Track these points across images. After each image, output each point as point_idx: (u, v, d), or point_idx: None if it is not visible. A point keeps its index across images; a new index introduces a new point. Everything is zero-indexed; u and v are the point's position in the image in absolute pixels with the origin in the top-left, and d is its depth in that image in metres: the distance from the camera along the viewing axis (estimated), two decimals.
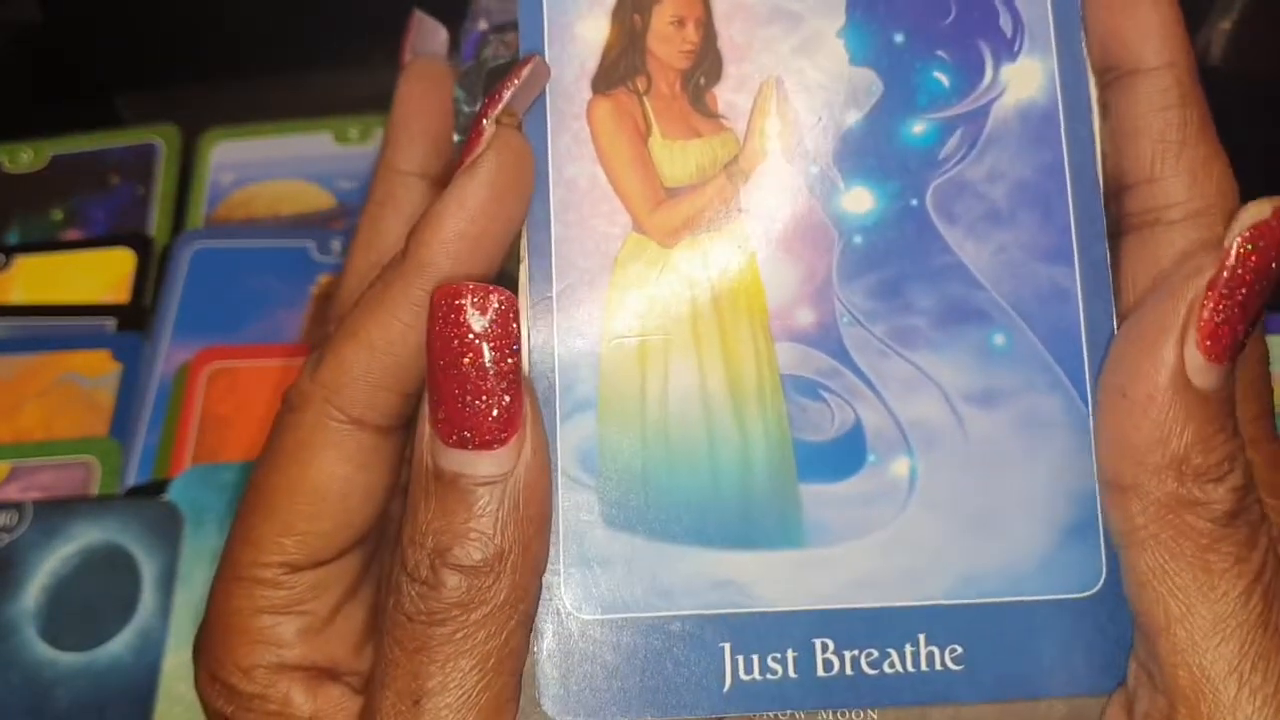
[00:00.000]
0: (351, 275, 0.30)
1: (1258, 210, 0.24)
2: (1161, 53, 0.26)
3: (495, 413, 0.24)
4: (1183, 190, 0.26)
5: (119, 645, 0.47)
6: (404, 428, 0.27)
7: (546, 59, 0.27)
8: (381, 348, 0.26)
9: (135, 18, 0.66)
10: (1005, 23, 0.28)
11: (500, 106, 0.26)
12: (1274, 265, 0.24)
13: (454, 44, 0.31)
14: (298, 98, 0.65)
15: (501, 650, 0.25)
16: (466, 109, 0.30)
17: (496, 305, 0.24)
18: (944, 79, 0.28)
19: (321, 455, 0.26)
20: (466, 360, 0.24)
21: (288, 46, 0.63)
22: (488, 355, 0.24)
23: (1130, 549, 0.25)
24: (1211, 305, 0.24)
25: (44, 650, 0.46)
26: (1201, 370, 0.24)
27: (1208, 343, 0.24)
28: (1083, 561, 0.27)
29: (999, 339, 0.27)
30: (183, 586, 0.47)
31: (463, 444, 0.24)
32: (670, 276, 0.27)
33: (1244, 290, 0.24)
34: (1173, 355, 0.24)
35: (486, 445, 0.24)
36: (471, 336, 0.24)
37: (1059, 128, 0.28)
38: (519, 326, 0.24)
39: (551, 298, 0.27)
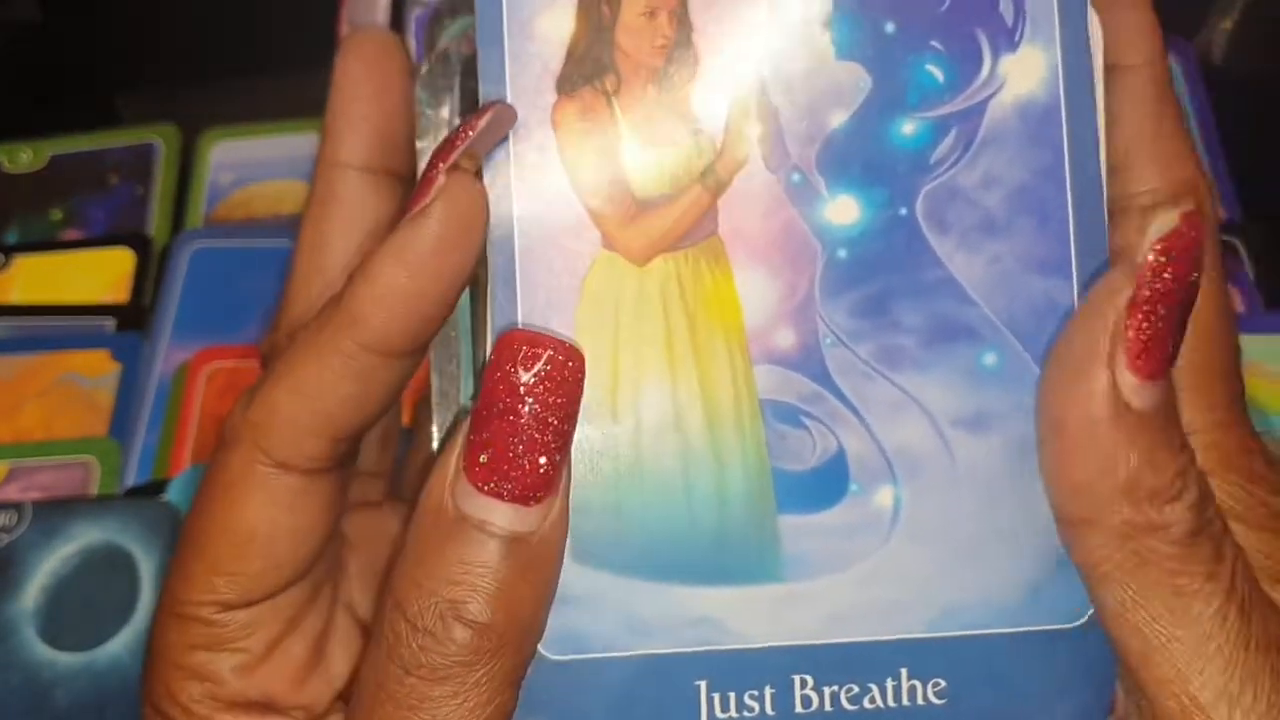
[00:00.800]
0: (295, 281, 0.28)
1: (1165, 221, 0.23)
2: (1140, 52, 0.26)
3: (542, 469, 0.23)
4: (1154, 177, 0.26)
5: (118, 645, 0.46)
6: (334, 471, 0.26)
7: (505, 55, 0.25)
8: (310, 394, 0.24)
9: (135, 18, 0.66)
10: (1005, 8, 0.25)
11: (455, 156, 0.24)
12: (1192, 274, 0.23)
13: (399, 23, 0.29)
14: (298, 98, 0.65)
15: (495, 716, 0.23)
16: (429, 112, 0.28)
17: (570, 363, 0.23)
18: (937, 73, 0.25)
19: (248, 497, 0.25)
20: (527, 409, 0.23)
21: (288, 46, 0.63)
22: (551, 410, 0.23)
23: (1097, 584, 0.24)
24: (1136, 324, 0.23)
25: (43, 650, 0.46)
26: (1137, 391, 0.23)
27: (1139, 362, 0.23)
28: (1073, 590, 0.25)
29: (990, 358, 0.25)
30: None
31: (498, 493, 0.23)
32: (642, 297, 0.25)
33: (1165, 304, 0.23)
34: (1104, 380, 0.23)
35: (522, 500, 0.23)
36: (541, 388, 0.23)
37: (1060, 126, 0.25)
38: (583, 390, 0.23)
39: (516, 323, 0.25)
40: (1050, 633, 0.26)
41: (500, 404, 0.23)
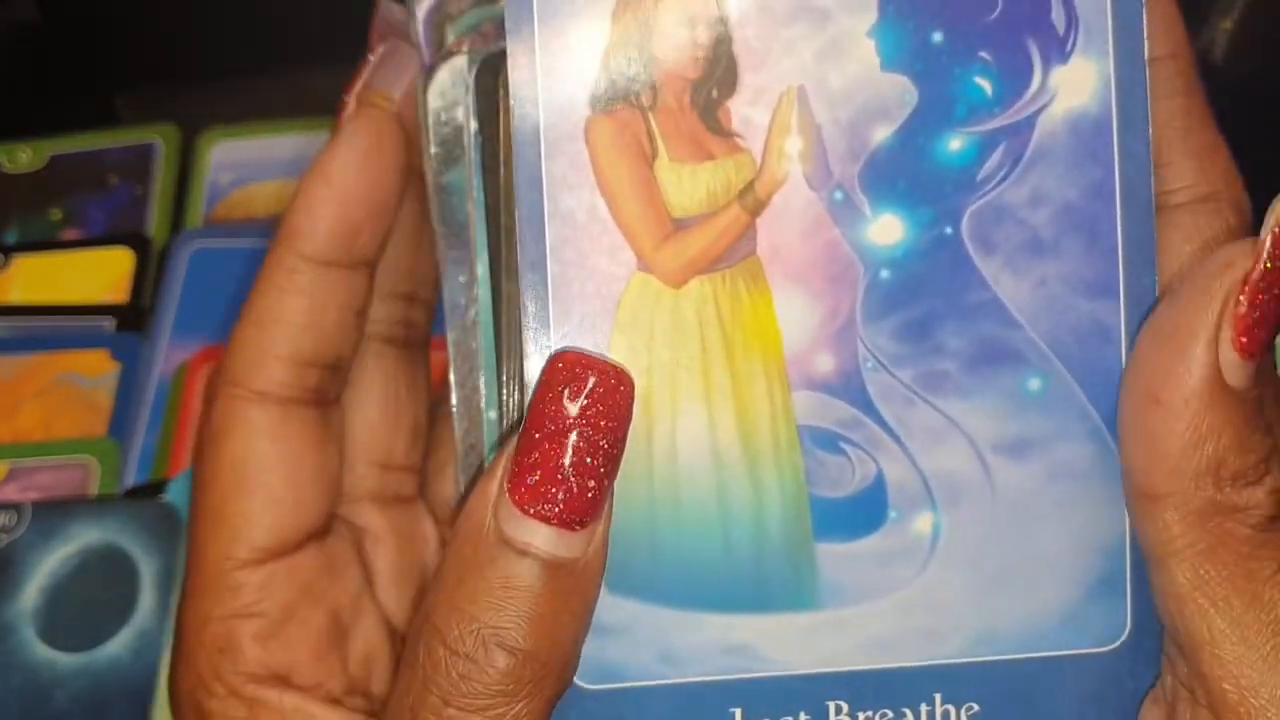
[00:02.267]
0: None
1: None
2: (1166, 43, 0.25)
3: (590, 494, 0.23)
4: (1190, 174, 0.25)
5: (117, 646, 0.46)
6: (313, 404, 0.27)
7: (537, 66, 0.24)
8: (267, 320, 0.26)
9: (135, 18, 0.66)
10: (1058, 16, 0.24)
11: (356, 87, 0.27)
12: None
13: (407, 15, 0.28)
14: (297, 97, 0.65)
15: None
16: (443, 116, 0.27)
17: (620, 386, 0.23)
18: (986, 86, 0.24)
19: (233, 434, 0.26)
20: (576, 433, 0.22)
21: (287, 46, 0.63)
22: (601, 433, 0.23)
23: (1166, 561, 0.23)
24: (1247, 301, 0.22)
25: (43, 651, 0.46)
26: (1236, 369, 0.23)
27: (1243, 340, 0.23)
28: (1107, 615, 0.25)
29: (1034, 383, 0.25)
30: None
31: (544, 517, 0.22)
32: (678, 320, 0.24)
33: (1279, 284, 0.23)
34: (1207, 355, 0.23)
35: (567, 524, 0.23)
36: (591, 412, 0.22)
37: (1112, 142, 0.25)
38: (632, 413, 0.23)
39: (550, 346, 0.24)
40: (1083, 657, 0.25)
41: (549, 426, 0.23)
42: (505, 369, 0.27)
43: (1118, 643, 0.25)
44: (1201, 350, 0.23)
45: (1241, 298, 0.23)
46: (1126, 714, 0.25)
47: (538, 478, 0.23)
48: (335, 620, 0.27)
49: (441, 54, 0.27)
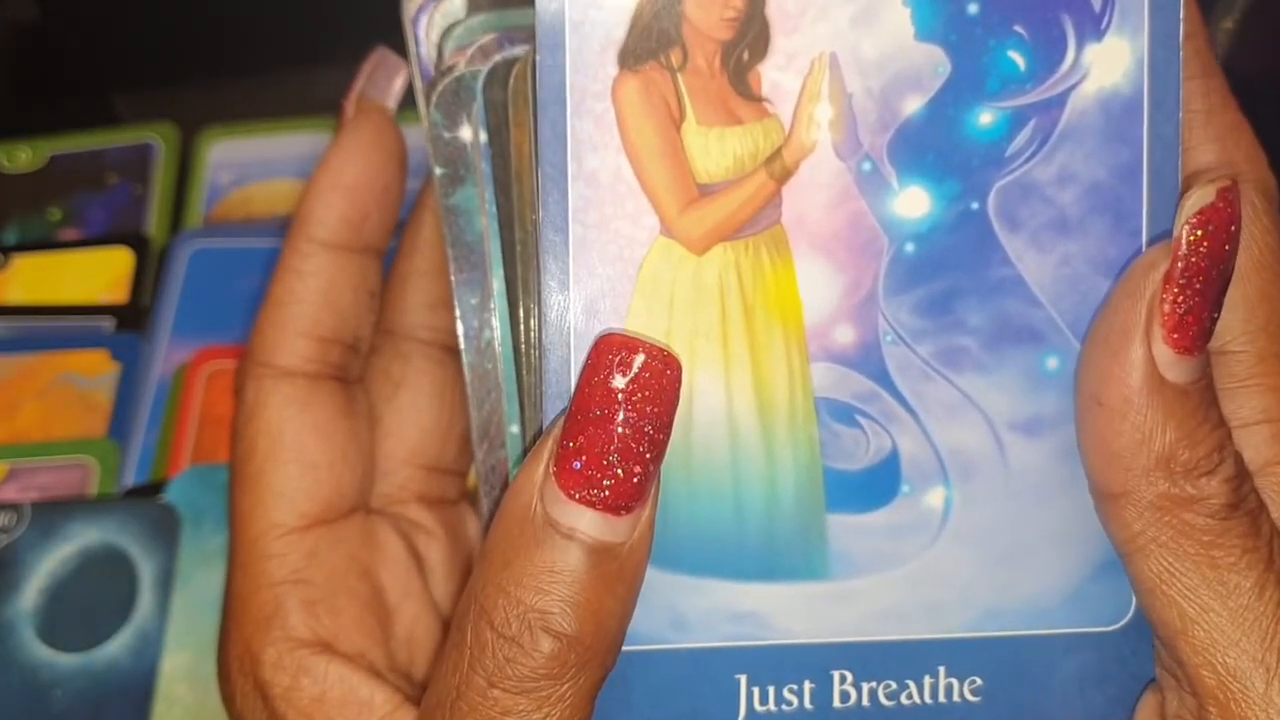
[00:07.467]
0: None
1: (1202, 195, 0.23)
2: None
3: (636, 479, 0.22)
4: (1212, 156, 0.26)
5: (117, 646, 0.46)
6: (337, 379, 0.28)
7: (565, 22, 0.23)
8: (286, 300, 0.28)
9: (134, 17, 0.66)
10: None
11: (353, 96, 0.29)
12: (1226, 247, 0.23)
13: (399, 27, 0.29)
14: (298, 98, 0.65)
15: None
16: (447, 135, 0.27)
17: (668, 371, 0.22)
18: (1019, 60, 0.24)
19: (266, 407, 0.28)
20: (623, 417, 0.22)
21: (288, 46, 0.63)
22: (648, 418, 0.22)
23: (1133, 557, 0.24)
24: (1171, 298, 0.23)
25: (42, 651, 0.46)
26: (1173, 365, 0.23)
27: (1174, 336, 0.23)
28: (1111, 596, 0.25)
29: (1051, 362, 0.25)
30: (181, 587, 0.47)
31: (590, 502, 0.22)
32: (698, 287, 0.24)
33: (1201, 278, 0.23)
34: (1141, 355, 0.23)
35: (613, 509, 0.22)
36: (638, 396, 0.22)
37: (1142, 123, 0.24)
38: (679, 397, 0.23)
39: (567, 309, 0.24)
40: (1087, 635, 0.25)
41: (596, 410, 0.22)
42: (525, 383, 0.26)
43: (1121, 623, 0.25)
44: (1136, 350, 0.23)
45: (1165, 295, 0.23)
46: (1128, 694, 0.26)
47: (584, 462, 0.22)
48: (380, 595, 0.27)
49: (441, 70, 0.27)
